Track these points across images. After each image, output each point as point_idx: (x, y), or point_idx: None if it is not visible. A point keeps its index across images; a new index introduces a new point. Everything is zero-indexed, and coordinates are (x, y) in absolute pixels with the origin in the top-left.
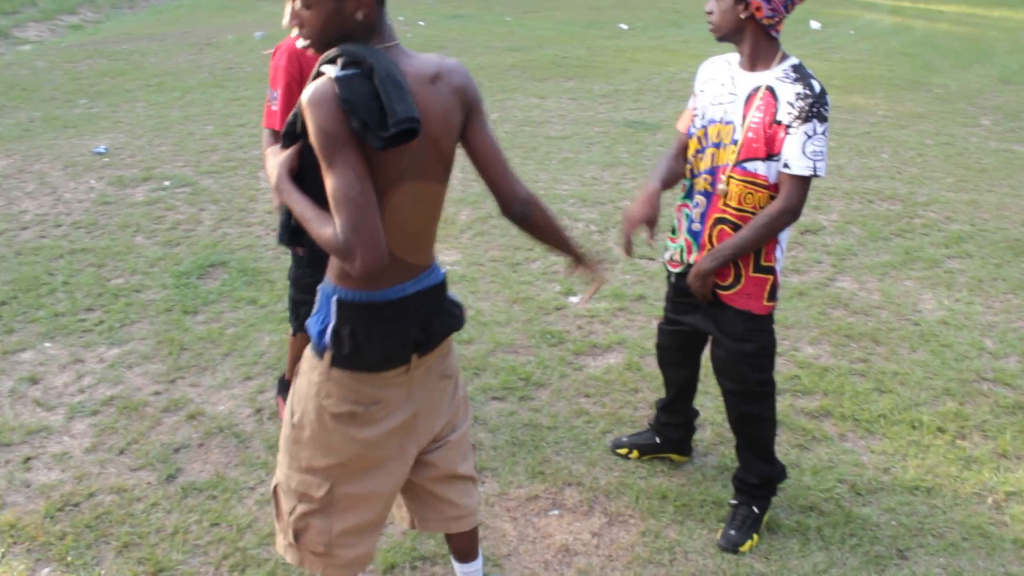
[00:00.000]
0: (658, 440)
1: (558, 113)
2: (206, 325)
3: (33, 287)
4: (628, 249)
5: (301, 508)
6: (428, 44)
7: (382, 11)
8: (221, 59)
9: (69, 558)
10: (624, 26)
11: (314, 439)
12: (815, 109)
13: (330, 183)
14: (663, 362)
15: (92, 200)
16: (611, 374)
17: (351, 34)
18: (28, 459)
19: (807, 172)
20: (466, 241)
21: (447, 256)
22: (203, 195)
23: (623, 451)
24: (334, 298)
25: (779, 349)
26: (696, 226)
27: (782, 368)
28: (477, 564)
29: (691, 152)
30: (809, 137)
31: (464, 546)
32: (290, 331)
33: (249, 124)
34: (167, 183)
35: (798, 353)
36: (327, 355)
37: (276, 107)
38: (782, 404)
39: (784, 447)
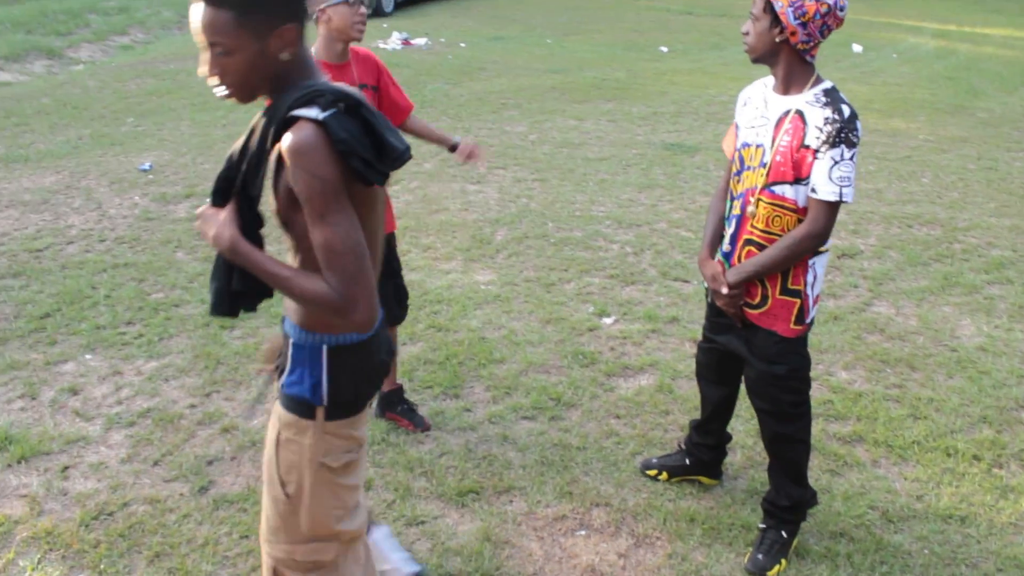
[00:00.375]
0: (688, 462)
1: (596, 135)
2: (242, 340)
3: (76, 300)
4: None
5: None
6: (469, 65)
7: (304, 45)
8: None
9: (102, 566)
10: (664, 49)
11: (317, 503)
12: (843, 134)
13: (325, 233)
14: (701, 377)
15: (136, 216)
16: (642, 396)
17: (278, 76)
18: (66, 468)
19: (833, 197)
20: (501, 261)
21: (482, 276)
22: None
23: (652, 472)
24: (324, 348)
25: (813, 373)
26: (727, 247)
27: (815, 392)
28: None
29: (731, 175)
30: (836, 162)
31: None
32: None
33: None
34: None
35: (832, 378)
36: (320, 411)
37: None
38: (814, 428)
39: (815, 472)
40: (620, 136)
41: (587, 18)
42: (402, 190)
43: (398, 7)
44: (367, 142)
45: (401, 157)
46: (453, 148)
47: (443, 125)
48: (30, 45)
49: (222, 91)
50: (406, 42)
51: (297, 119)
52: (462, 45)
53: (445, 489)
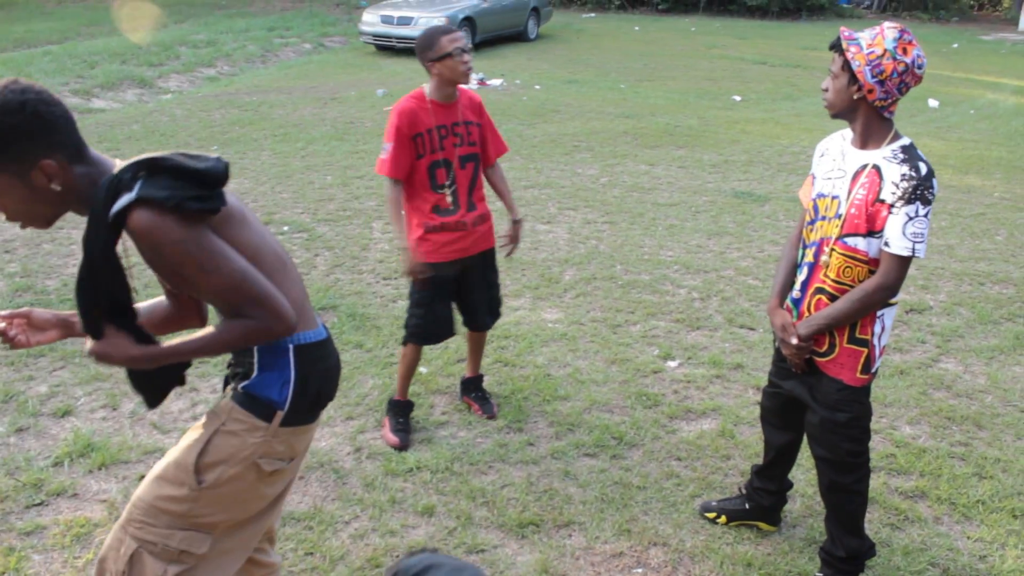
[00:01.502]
0: (748, 506)
1: (666, 180)
2: None
3: None
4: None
5: (174, 570)
6: (543, 107)
7: (80, 167)
8: (343, 113)
9: None
10: (737, 98)
11: (229, 498)
12: (919, 191)
13: (213, 281)
14: (765, 421)
15: None
16: (704, 439)
17: (73, 194)
18: (142, 477)
19: (906, 253)
20: (568, 300)
21: (549, 314)
22: (318, 241)
23: (711, 515)
24: (290, 347)
25: (876, 427)
26: (797, 294)
27: (878, 445)
28: None
29: (804, 224)
30: (911, 219)
31: None
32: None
33: (366, 176)
34: (286, 228)
35: (896, 432)
36: (279, 415)
37: (384, 156)
38: (876, 481)
39: (875, 525)
40: (690, 183)
41: (661, 65)
42: None
43: (475, 48)
44: (185, 182)
45: (221, 172)
46: (515, 221)
47: (516, 165)
48: (124, 75)
49: (19, 225)
50: (482, 82)
51: (121, 214)
52: (537, 87)
53: (506, 520)
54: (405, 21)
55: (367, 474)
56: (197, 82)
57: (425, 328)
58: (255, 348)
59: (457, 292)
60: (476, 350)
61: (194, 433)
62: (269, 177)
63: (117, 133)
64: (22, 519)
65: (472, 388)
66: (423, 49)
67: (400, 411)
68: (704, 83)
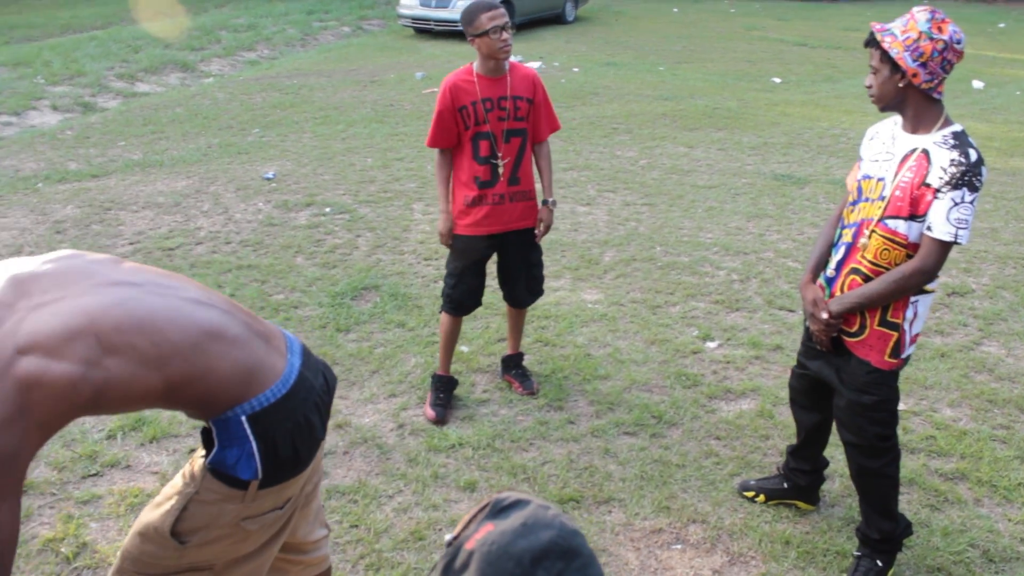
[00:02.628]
0: (786, 485)
1: (706, 163)
2: (357, 343)
3: None
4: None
5: None
6: (581, 90)
7: None
8: (383, 96)
9: None
10: (777, 79)
11: (219, 549)
12: (967, 178)
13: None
14: (794, 403)
15: (259, 221)
16: (743, 419)
17: None
18: (192, 450)
19: (948, 238)
20: (608, 281)
21: (589, 295)
22: (360, 222)
23: (750, 494)
24: (243, 419)
25: (916, 408)
26: (831, 273)
27: (917, 427)
28: None
29: (846, 204)
30: (956, 204)
31: None
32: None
33: (406, 158)
34: (328, 209)
35: (936, 414)
36: (254, 483)
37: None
38: (915, 463)
39: (915, 506)
40: (730, 165)
41: (700, 47)
42: None
43: (514, 30)
44: None
45: None
46: (543, 202)
47: (555, 148)
48: (167, 59)
49: None
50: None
51: None
52: (575, 70)
53: (546, 496)
54: (443, 4)
55: (410, 450)
56: (238, 66)
57: (454, 298)
58: (210, 421)
59: (499, 267)
60: (515, 328)
61: (170, 492)
62: (310, 159)
63: (161, 116)
64: (79, 488)
65: (512, 366)
66: (466, 24)
67: (441, 386)
68: (743, 65)
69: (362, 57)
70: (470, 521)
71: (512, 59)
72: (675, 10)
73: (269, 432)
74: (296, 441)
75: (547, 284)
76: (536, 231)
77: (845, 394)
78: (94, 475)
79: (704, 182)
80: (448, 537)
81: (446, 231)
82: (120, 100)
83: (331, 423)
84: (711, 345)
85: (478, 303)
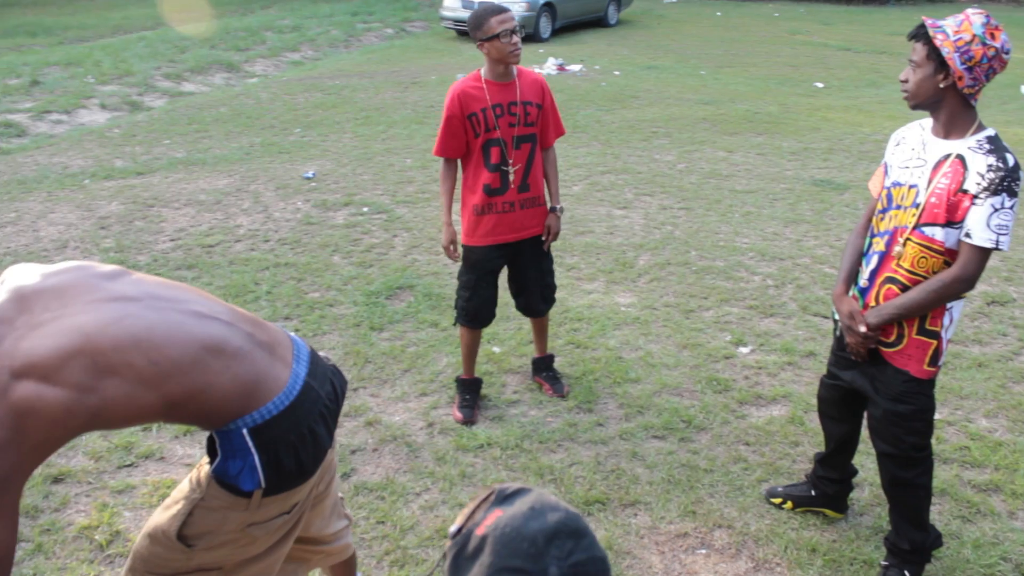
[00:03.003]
0: (813, 493)
1: (744, 167)
2: (390, 342)
3: (241, 293)
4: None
5: None
6: (622, 93)
7: None
8: (424, 97)
9: None
10: (819, 84)
11: (227, 552)
12: (1006, 183)
13: None
14: (822, 414)
15: (298, 220)
16: (773, 425)
17: None
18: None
19: (989, 244)
20: (642, 285)
21: (622, 298)
22: (397, 222)
23: (777, 500)
24: (244, 431)
25: (951, 419)
26: (865, 283)
27: (951, 437)
28: None
29: (874, 212)
30: (996, 210)
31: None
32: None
33: None
34: (366, 209)
35: (971, 424)
36: (258, 492)
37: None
38: (948, 473)
39: (945, 517)
40: (769, 170)
41: (742, 51)
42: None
43: (555, 34)
44: None
45: None
46: (551, 209)
47: (594, 151)
48: (213, 59)
49: None
50: (561, 68)
51: None
52: (616, 73)
53: (572, 497)
54: None
55: (439, 448)
56: (282, 66)
57: (469, 311)
58: (214, 431)
59: (511, 277)
60: (540, 332)
61: (178, 496)
62: (350, 159)
63: (205, 115)
64: (114, 478)
65: (543, 368)
66: (474, 28)
67: (466, 388)
68: (786, 69)
69: (404, 58)
70: (474, 511)
71: (553, 60)
72: (718, 14)
73: (272, 444)
74: (300, 452)
75: (581, 287)
76: (543, 238)
77: (881, 404)
78: (129, 465)
79: (742, 187)
80: (453, 529)
81: (448, 243)
82: (166, 99)
83: (361, 420)
84: (743, 350)
85: (493, 315)
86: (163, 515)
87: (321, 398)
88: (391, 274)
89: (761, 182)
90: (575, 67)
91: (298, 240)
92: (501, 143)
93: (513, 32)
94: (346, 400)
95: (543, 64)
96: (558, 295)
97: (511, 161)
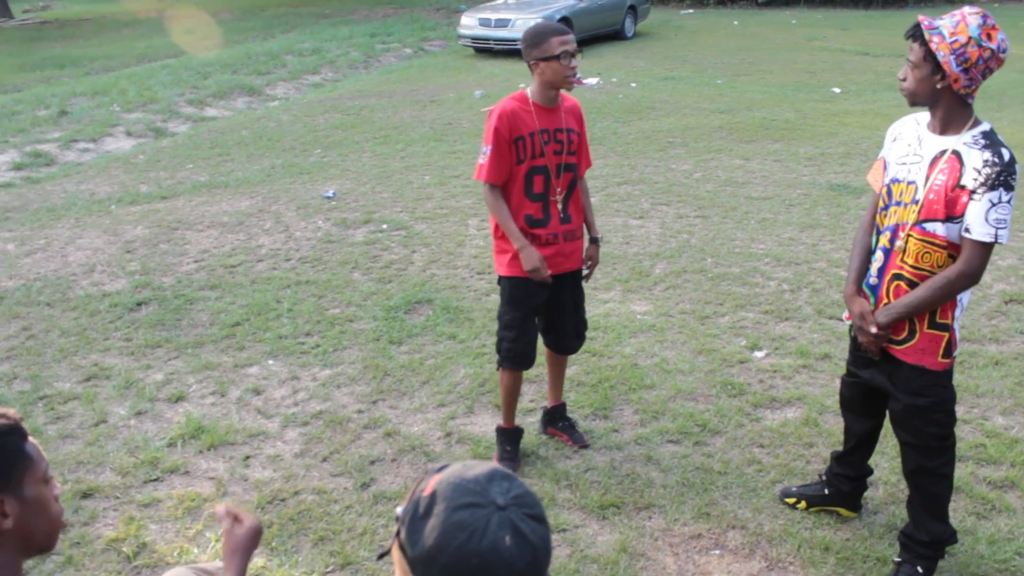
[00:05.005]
0: (827, 492)
1: (761, 174)
2: (409, 355)
3: (263, 311)
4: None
5: None
6: (638, 104)
7: (22, 513)
8: (442, 115)
9: (274, 544)
10: (837, 90)
11: None
12: (1003, 177)
13: None
14: (845, 408)
15: (318, 239)
16: (787, 427)
17: None
18: (247, 457)
19: (988, 239)
20: (658, 293)
21: (638, 306)
22: (416, 238)
23: (791, 500)
24: None
25: (966, 416)
26: (874, 280)
27: (967, 435)
28: None
29: (878, 208)
30: (994, 205)
31: None
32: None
33: (463, 176)
34: (385, 226)
35: (987, 422)
36: None
37: (483, 160)
38: (962, 470)
39: (960, 513)
40: (785, 176)
41: (759, 59)
42: None
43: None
44: None
45: None
46: (593, 240)
47: (610, 162)
48: (235, 84)
49: None
50: (578, 81)
51: None
52: (633, 85)
53: (588, 502)
54: (503, 23)
55: (456, 458)
56: (303, 88)
57: (516, 352)
58: None
59: (544, 312)
60: (558, 376)
61: None
62: (370, 178)
63: (228, 139)
64: (141, 492)
65: (557, 418)
66: (530, 45)
67: (507, 439)
68: (803, 76)
69: (423, 77)
70: (414, 490)
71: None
72: (735, 23)
73: None
74: None
75: (597, 296)
76: (584, 269)
77: (901, 399)
78: (155, 480)
79: (758, 193)
80: (399, 510)
81: (541, 264)
82: (190, 125)
83: (380, 431)
84: (759, 354)
85: (535, 354)
86: None
87: None
88: (410, 289)
89: (777, 188)
90: (592, 80)
91: (319, 258)
92: (546, 171)
93: (573, 55)
94: (366, 412)
95: None
96: None
97: (559, 190)
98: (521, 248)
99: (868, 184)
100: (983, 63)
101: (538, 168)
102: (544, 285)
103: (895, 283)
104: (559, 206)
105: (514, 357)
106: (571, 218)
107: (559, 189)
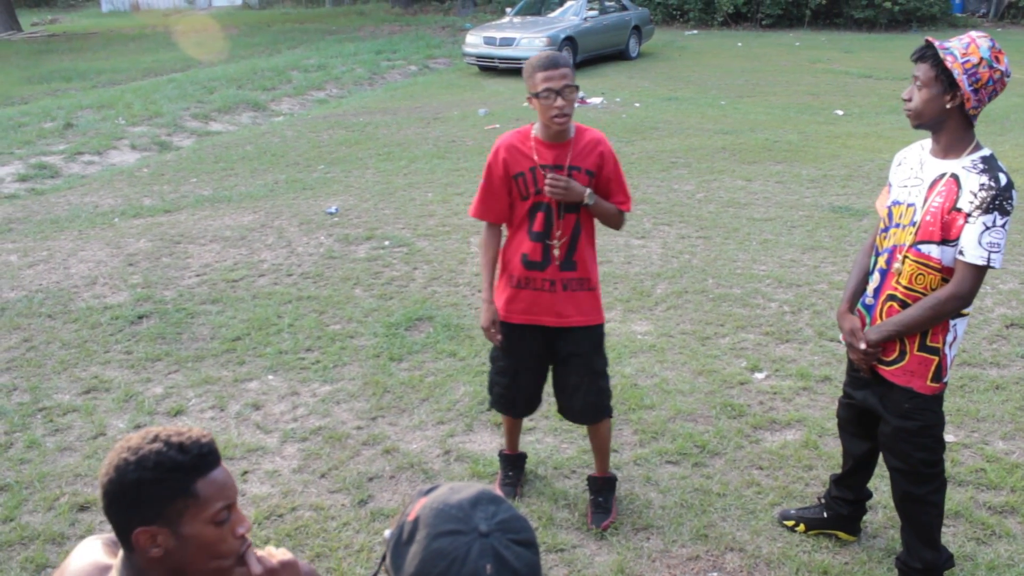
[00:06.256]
0: (826, 515)
1: (763, 196)
2: (408, 372)
3: (264, 326)
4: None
5: None
6: (642, 124)
7: (178, 544)
8: (445, 132)
9: None
10: (840, 112)
11: None
12: (998, 201)
13: None
14: (842, 429)
15: (320, 254)
16: (787, 449)
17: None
18: (245, 472)
19: (980, 262)
20: (659, 313)
21: (639, 326)
22: (418, 255)
23: (790, 523)
24: None
25: (967, 441)
26: (870, 300)
27: (967, 460)
28: None
29: (879, 230)
30: (988, 228)
31: None
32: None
33: (466, 193)
34: (387, 243)
35: (987, 447)
36: None
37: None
38: (963, 495)
39: (960, 539)
40: (787, 197)
41: (763, 80)
42: None
43: (576, 68)
44: None
45: None
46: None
47: None
48: (240, 99)
49: None
50: (582, 100)
51: None
52: (636, 105)
53: (585, 522)
54: (507, 42)
55: (455, 475)
56: (307, 104)
57: (506, 400)
58: None
59: (554, 372)
60: (594, 444)
61: None
62: (372, 194)
63: (232, 154)
64: None
65: (595, 490)
66: (524, 78)
67: (509, 464)
68: (806, 98)
69: (427, 95)
70: (401, 514)
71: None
72: (739, 44)
73: None
74: None
75: None
76: (549, 179)
77: (890, 421)
78: None
79: (760, 215)
80: (387, 532)
81: (489, 323)
82: (194, 139)
83: (379, 448)
84: (759, 376)
85: (536, 405)
86: None
87: None
88: (411, 306)
89: (779, 210)
90: (596, 100)
91: (320, 274)
92: (547, 209)
93: (558, 93)
94: (365, 429)
95: None
96: None
97: (559, 232)
98: (484, 301)
99: (875, 210)
100: (992, 84)
101: (540, 205)
102: (539, 336)
103: (888, 303)
104: (556, 251)
105: (503, 405)
106: (576, 265)
107: (559, 232)
